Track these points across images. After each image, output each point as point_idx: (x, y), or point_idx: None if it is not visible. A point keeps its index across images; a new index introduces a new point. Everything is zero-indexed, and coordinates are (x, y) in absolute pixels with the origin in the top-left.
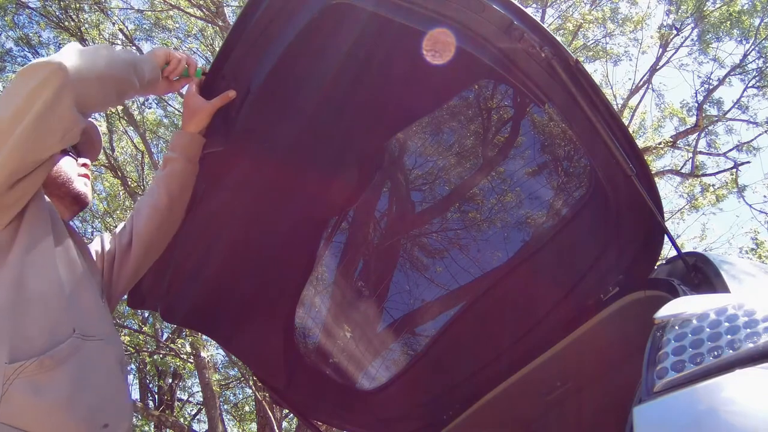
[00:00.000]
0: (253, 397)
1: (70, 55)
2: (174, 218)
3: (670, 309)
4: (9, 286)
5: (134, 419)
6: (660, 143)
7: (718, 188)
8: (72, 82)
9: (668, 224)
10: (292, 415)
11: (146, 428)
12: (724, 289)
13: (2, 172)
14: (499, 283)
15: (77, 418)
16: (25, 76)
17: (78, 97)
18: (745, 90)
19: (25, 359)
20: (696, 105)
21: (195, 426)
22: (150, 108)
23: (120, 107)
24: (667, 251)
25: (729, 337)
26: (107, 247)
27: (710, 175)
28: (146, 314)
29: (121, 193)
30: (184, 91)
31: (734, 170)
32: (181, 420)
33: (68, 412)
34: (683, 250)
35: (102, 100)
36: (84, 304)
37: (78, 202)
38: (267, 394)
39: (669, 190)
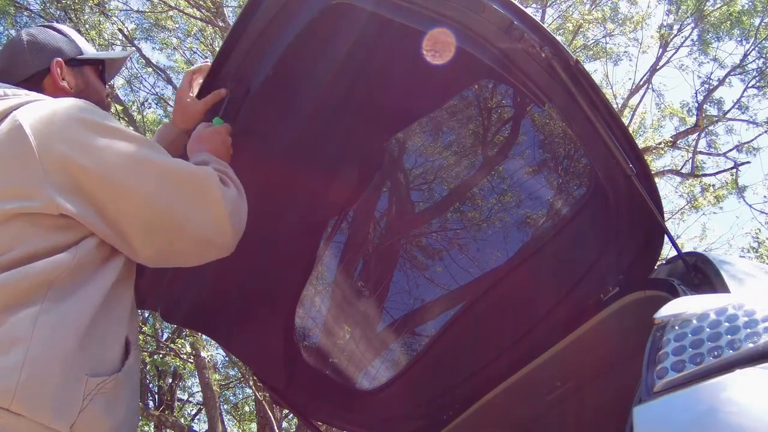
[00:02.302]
0: (253, 397)
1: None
2: None
3: (670, 309)
4: (105, 290)
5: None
6: (660, 143)
7: (718, 188)
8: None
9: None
10: (292, 415)
11: (146, 428)
12: (724, 289)
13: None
14: (499, 283)
15: None
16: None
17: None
18: (745, 90)
19: (107, 375)
20: (696, 105)
21: (195, 426)
22: (150, 108)
23: (120, 107)
24: (667, 251)
25: (729, 337)
26: None
27: (710, 175)
28: (146, 314)
29: None
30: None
31: (734, 170)
32: (181, 420)
33: None
34: (683, 250)
35: None
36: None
37: None
38: (267, 394)
39: (669, 190)
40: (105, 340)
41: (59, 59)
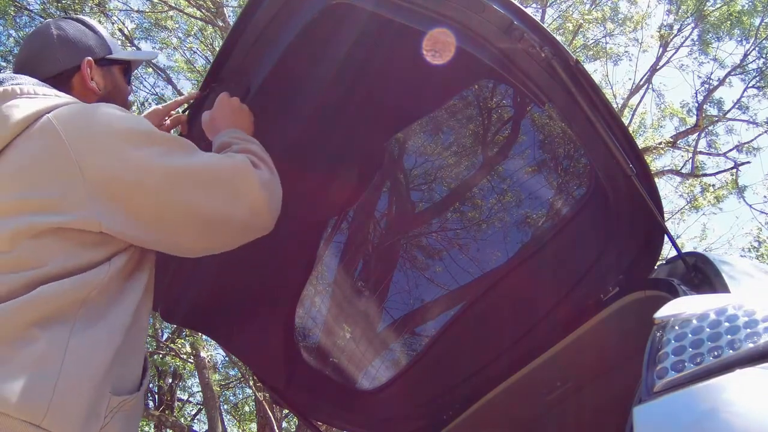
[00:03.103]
0: (253, 397)
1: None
2: None
3: (670, 309)
4: (133, 310)
5: None
6: (660, 143)
7: (718, 188)
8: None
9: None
10: (292, 415)
11: (146, 428)
12: (724, 289)
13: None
14: (499, 283)
15: None
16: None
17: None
18: (745, 90)
19: (128, 394)
20: (696, 105)
21: (195, 426)
22: (150, 107)
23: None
24: (667, 251)
25: (729, 337)
26: None
27: (710, 175)
28: None
29: None
30: (184, 91)
31: (734, 170)
32: (181, 420)
33: None
34: (683, 250)
35: None
36: None
37: None
38: (267, 394)
39: (669, 190)
40: (129, 359)
41: (90, 58)
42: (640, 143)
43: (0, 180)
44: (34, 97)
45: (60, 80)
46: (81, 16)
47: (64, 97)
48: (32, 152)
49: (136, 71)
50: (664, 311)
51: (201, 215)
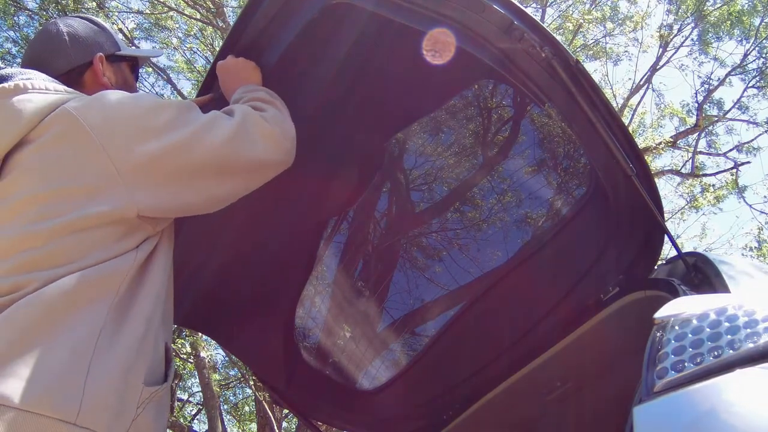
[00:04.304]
0: (253, 397)
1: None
2: None
3: (670, 309)
4: (156, 297)
5: None
6: (660, 143)
7: (718, 188)
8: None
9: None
10: (292, 415)
11: None
12: (724, 289)
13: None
14: (499, 283)
15: None
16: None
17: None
18: (745, 90)
19: (158, 384)
20: (696, 105)
21: (195, 426)
22: None
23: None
24: (667, 251)
25: (729, 337)
26: None
27: (710, 175)
28: None
29: None
30: (184, 91)
31: (734, 170)
32: (181, 420)
33: None
34: (683, 250)
35: None
36: None
37: None
38: (267, 394)
39: (669, 190)
40: (156, 348)
41: (101, 54)
42: (640, 143)
43: (24, 175)
44: (46, 92)
45: (71, 77)
46: (87, 15)
47: (74, 93)
48: (54, 143)
49: None
50: (664, 311)
51: (232, 163)
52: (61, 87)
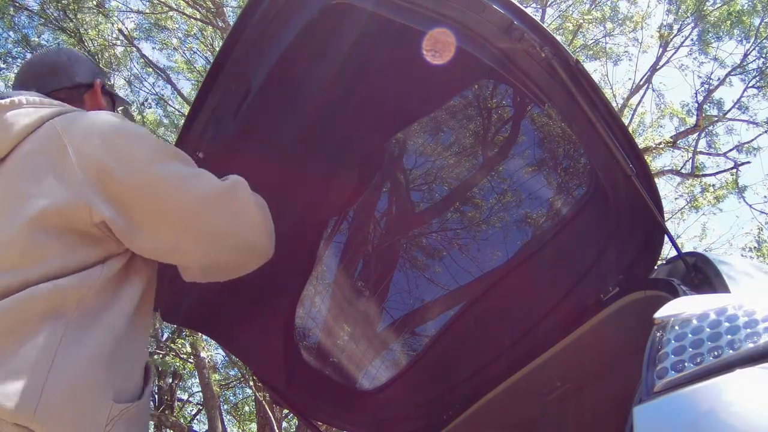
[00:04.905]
0: (253, 397)
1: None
2: None
3: (670, 309)
4: (129, 315)
5: None
6: (660, 143)
7: (718, 188)
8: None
9: (668, 224)
10: (292, 415)
11: None
12: (724, 289)
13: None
14: (500, 283)
15: None
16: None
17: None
18: (745, 90)
19: (130, 402)
20: (696, 105)
21: (195, 426)
22: (150, 108)
23: (120, 107)
24: (667, 251)
25: (729, 337)
26: None
27: (710, 175)
28: None
29: None
30: (184, 91)
31: (734, 170)
32: (181, 420)
33: None
34: (683, 250)
35: None
36: None
37: None
38: (267, 394)
39: (669, 190)
40: (128, 365)
41: (100, 80)
42: (640, 143)
43: (4, 183)
44: (39, 107)
45: (72, 94)
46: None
47: (67, 107)
48: (31, 153)
49: (136, 71)
50: (664, 311)
51: (203, 228)
52: (56, 102)
